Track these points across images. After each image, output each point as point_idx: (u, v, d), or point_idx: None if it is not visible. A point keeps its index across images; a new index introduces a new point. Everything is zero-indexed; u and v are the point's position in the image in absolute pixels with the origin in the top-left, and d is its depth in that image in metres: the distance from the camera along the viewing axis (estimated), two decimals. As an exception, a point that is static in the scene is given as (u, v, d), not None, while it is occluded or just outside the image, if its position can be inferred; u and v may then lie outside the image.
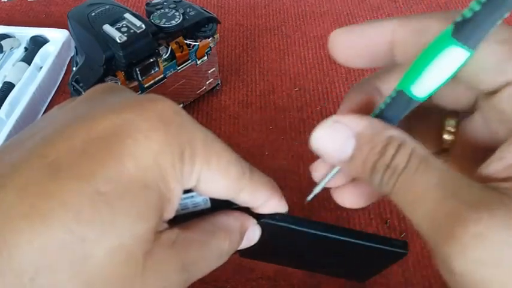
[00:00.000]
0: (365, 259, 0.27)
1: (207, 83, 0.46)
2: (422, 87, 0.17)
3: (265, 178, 0.22)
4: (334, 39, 0.19)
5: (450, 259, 0.15)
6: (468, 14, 0.14)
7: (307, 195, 0.23)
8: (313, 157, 0.43)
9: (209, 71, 0.45)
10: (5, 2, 0.62)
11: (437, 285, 0.33)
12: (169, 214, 0.18)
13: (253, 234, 0.23)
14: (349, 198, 0.23)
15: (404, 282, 0.33)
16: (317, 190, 0.23)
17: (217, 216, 0.21)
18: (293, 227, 0.23)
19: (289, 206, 0.38)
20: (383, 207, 0.37)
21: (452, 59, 0.15)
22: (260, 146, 0.43)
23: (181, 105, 0.45)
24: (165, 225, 0.18)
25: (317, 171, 0.21)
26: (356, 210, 0.37)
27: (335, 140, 0.18)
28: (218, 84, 0.47)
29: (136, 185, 0.16)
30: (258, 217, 0.23)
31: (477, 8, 0.14)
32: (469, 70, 0.17)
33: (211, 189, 0.19)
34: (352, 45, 0.19)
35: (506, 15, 0.14)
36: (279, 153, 0.42)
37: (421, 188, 0.16)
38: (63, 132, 0.16)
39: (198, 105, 0.47)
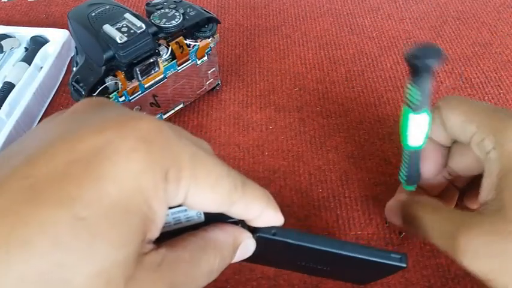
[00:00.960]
0: (364, 270, 0.27)
1: (207, 83, 0.46)
2: (413, 140, 0.28)
3: (259, 191, 0.21)
4: None
5: (461, 261, 0.25)
6: (414, 100, 0.26)
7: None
8: (313, 157, 0.43)
9: (209, 71, 0.45)
10: (5, 2, 0.62)
11: (437, 285, 0.33)
12: (154, 234, 0.17)
13: (247, 248, 0.22)
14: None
15: (404, 282, 0.33)
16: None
17: (209, 231, 0.21)
18: (289, 241, 0.23)
19: (289, 206, 0.38)
20: (383, 207, 0.37)
21: (417, 119, 0.27)
22: (260, 146, 0.43)
23: (181, 105, 0.45)
24: (150, 246, 0.18)
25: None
26: (356, 210, 0.37)
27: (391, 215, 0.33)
28: (218, 84, 0.47)
29: (117, 209, 0.15)
30: (254, 230, 0.22)
31: (418, 96, 0.26)
32: (451, 133, 0.29)
33: (201, 205, 0.19)
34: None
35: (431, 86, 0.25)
36: (279, 153, 0.42)
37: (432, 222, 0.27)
38: (46, 153, 0.16)
39: (198, 105, 0.47)
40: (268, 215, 0.22)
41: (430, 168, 0.32)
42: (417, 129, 0.27)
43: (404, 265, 0.24)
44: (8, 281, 0.14)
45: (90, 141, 0.16)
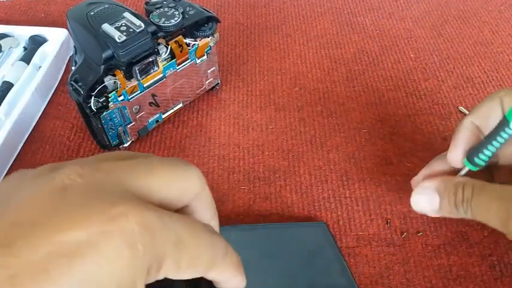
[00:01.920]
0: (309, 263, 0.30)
1: (207, 82, 0.45)
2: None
3: (235, 258, 0.22)
4: None
5: None
6: None
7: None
8: (313, 157, 0.43)
9: (209, 71, 0.44)
10: (4, 1, 0.61)
11: (438, 286, 0.33)
12: None
13: None
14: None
15: (406, 283, 0.33)
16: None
17: None
18: None
19: (289, 206, 0.38)
20: (384, 207, 0.37)
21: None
22: (260, 146, 0.42)
23: (181, 104, 0.44)
24: None
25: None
26: (357, 210, 0.37)
27: (426, 198, 0.30)
28: (218, 83, 0.47)
29: None
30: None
31: None
32: None
33: (178, 277, 0.19)
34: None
35: None
36: (279, 153, 0.42)
37: (485, 204, 0.27)
38: (27, 241, 0.15)
39: (198, 105, 0.46)
40: (236, 280, 0.22)
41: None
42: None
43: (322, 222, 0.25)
44: None
45: (72, 234, 0.16)
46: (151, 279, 0.18)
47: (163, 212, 0.18)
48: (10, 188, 0.19)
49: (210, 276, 0.21)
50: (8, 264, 0.15)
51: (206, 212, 0.23)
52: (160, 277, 0.18)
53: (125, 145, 0.42)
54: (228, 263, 0.21)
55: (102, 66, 0.35)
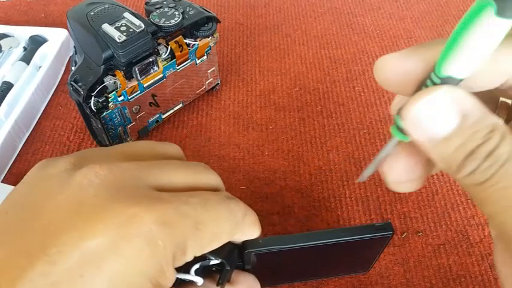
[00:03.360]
0: (357, 252, 0.27)
1: (207, 82, 0.45)
2: (465, 66, 0.15)
3: (253, 216, 0.23)
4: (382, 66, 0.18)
5: None
6: None
7: (359, 175, 0.22)
8: (314, 157, 0.43)
9: (209, 71, 0.44)
10: (3, 1, 0.61)
11: (438, 286, 0.33)
12: None
13: None
14: (404, 182, 0.20)
15: (406, 283, 0.33)
16: (371, 167, 0.20)
17: None
18: (278, 247, 0.23)
19: (290, 207, 0.38)
20: (384, 207, 0.37)
21: (496, 29, 0.14)
22: (260, 146, 0.42)
23: (181, 105, 0.44)
24: None
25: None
26: (357, 210, 0.37)
27: (438, 114, 0.16)
28: (218, 83, 0.47)
29: None
30: (242, 247, 0.23)
31: None
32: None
33: (204, 253, 0.20)
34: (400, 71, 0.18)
35: None
36: (279, 154, 0.42)
37: None
38: (60, 248, 0.17)
39: (198, 105, 0.46)
40: (257, 233, 0.23)
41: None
42: (485, 46, 0.15)
43: (391, 232, 0.24)
44: None
45: (95, 240, 0.17)
46: (179, 264, 0.19)
47: (179, 200, 0.19)
48: (35, 187, 0.20)
49: (235, 239, 0.22)
50: (48, 271, 0.16)
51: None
52: (188, 259, 0.19)
53: (125, 145, 0.42)
54: (248, 223, 0.22)
55: (102, 67, 0.35)
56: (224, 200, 0.21)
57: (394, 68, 0.17)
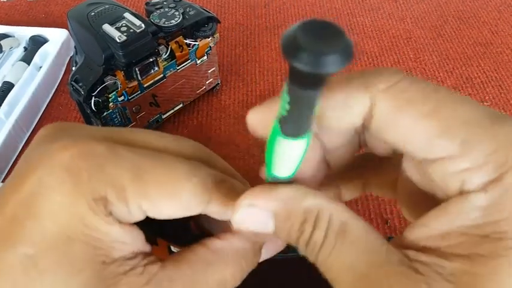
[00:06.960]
0: None
1: (207, 82, 0.45)
2: (282, 171, 0.17)
3: (238, 186, 0.20)
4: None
5: None
6: (284, 112, 0.14)
7: None
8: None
9: (209, 71, 0.45)
10: (4, 1, 0.61)
11: (438, 286, 0.33)
12: (121, 252, 0.17)
13: (274, 243, 0.20)
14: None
15: (405, 283, 0.33)
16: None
17: (223, 238, 0.19)
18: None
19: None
20: (383, 207, 0.37)
21: (288, 147, 0.16)
22: (260, 146, 0.43)
23: (181, 105, 0.44)
24: (132, 263, 0.17)
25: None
26: (357, 210, 0.37)
27: (255, 223, 0.18)
28: (218, 84, 0.47)
29: (59, 241, 0.16)
30: None
31: (288, 107, 0.14)
32: (399, 142, 0.17)
33: (164, 214, 0.18)
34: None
35: (316, 110, 0.14)
36: (279, 153, 0.42)
37: (338, 265, 0.16)
38: (2, 197, 0.17)
39: (198, 105, 0.46)
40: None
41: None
42: (288, 157, 0.16)
43: None
44: None
45: (28, 181, 0.17)
46: (120, 210, 0.17)
47: (120, 145, 0.18)
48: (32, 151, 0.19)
49: (213, 210, 0.18)
50: None
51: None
52: (135, 212, 0.17)
53: (125, 145, 0.42)
54: (227, 190, 0.19)
55: (103, 67, 0.35)
56: (191, 162, 0.18)
57: (255, 120, 0.18)
